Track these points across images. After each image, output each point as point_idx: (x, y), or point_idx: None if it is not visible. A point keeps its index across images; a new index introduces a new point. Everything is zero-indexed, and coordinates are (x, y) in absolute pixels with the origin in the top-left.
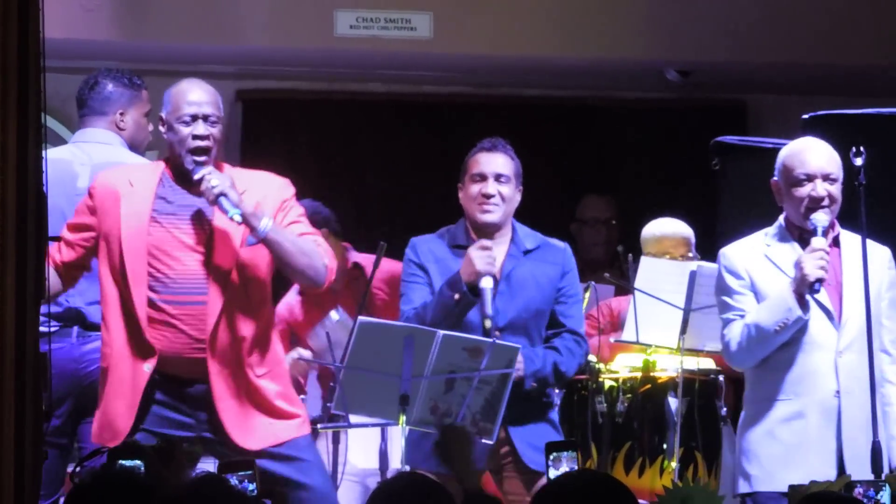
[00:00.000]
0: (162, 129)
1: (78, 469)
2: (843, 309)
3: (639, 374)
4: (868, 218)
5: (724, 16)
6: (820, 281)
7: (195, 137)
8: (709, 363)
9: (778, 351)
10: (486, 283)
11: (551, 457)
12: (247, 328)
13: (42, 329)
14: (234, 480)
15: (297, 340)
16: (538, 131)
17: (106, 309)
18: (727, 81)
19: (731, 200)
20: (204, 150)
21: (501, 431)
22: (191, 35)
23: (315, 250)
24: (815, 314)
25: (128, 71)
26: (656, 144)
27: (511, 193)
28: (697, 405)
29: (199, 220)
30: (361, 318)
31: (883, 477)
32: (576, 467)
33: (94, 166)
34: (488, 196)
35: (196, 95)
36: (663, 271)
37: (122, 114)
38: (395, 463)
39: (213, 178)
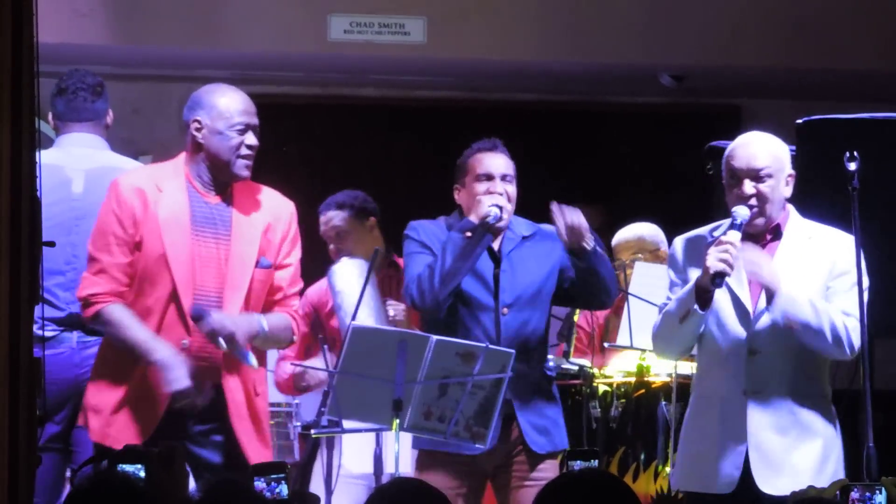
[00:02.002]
0: (198, 133)
1: (76, 473)
2: (758, 306)
3: (633, 379)
4: (863, 222)
5: (718, 20)
6: (721, 276)
7: (248, 147)
8: None
9: (701, 346)
10: (494, 211)
11: (571, 465)
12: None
13: (38, 333)
14: (261, 483)
15: (320, 325)
16: (531, 136)
17: (142, 316)
18: (721, 86)
19: (725, 205)
20: (251, 159)
21: (512, 424)
22: (184, 40)
23: (290, 327)
24: (728, 310)
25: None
26: (650, 149)
27: (514, 193)
28: None
29: (218, 235)
30: (354, 323)
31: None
32: None
33: (87, 171)
34: (498, 194)
35: (247, 105)
36: (657, 276)
37: (107, 117)
38: (390, 467)
39: (222, 332)
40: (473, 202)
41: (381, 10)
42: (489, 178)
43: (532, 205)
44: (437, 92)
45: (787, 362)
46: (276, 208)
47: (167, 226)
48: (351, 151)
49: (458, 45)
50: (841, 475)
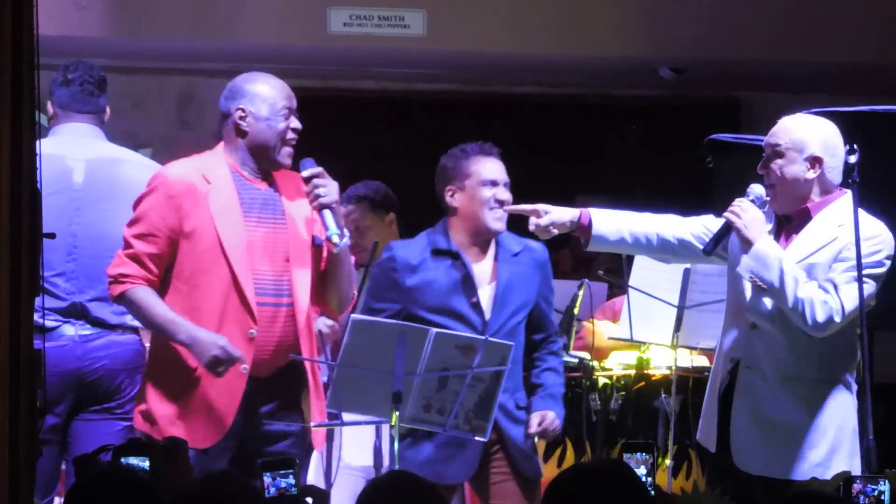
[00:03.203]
0: (242, 122)
1: (79, 464)
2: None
3: (633, 372)
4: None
5: (717, 13)
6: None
7: (294, 130)
8: (703, 361)
9: (726, 308)
10: None
11: (625, 457)
12: (313, 327)
13: (39, 323)
14: (267, 478)
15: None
16: (531, 129)
17: (192, 312)
18: (721, 79)
19: (725, 198)
20: (294, 144)
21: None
22: (184, 32)
23: (355, 277)
24: (745, 280)
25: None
26: (650, 142)
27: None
28: (691, 402)
29: (276, 218)
30: (354, 315)
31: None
32: (647, 468)
33: (88, 161)
34: (503, 202)
35: (287, 90)
36: (657, 269)
37: (105, 113)
38: (389, 460)
39: (324, 186)
40: (479, 209)
41: (380, 2)
42: (494, 184)
43: (532, 197)
44: (437, 85)
45: (780, 341)
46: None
47: (220, 216)
48: (350, 144)
49: (457, 38)
50: (838, 467)
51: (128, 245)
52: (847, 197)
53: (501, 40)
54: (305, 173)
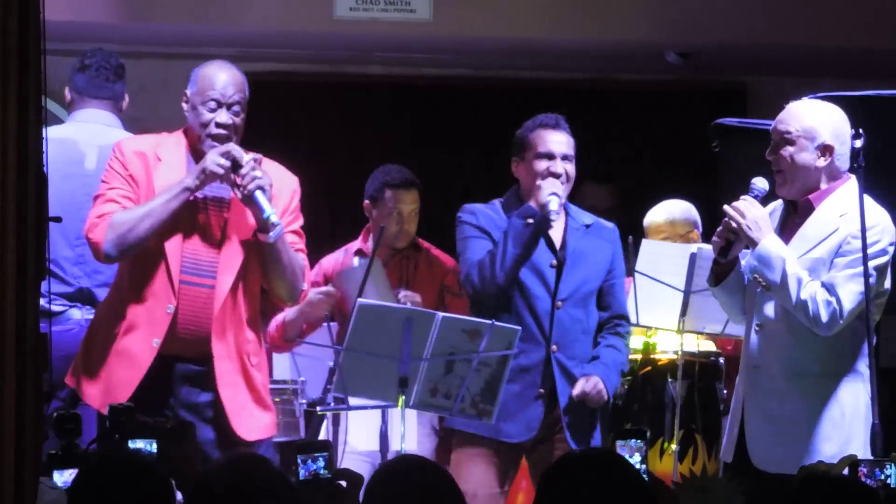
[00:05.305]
0: (185, 105)
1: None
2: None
3: (639, 357)
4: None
5: None
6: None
7: (217, 125)
8: (709, 345)
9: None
10: (554, 206)
11: (618, 444)
12: (245, 315)
13: (45, 307)
14: (300, 461)
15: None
16: (537, 114)
17: (132, 281)
18: (727, 63)
19: (732, 182)
20: (225, 138)
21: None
22: (191, 17)
23: (301, 272)
24: (750, 283)
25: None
26: (656, 127)
27: (573, 173)
28: (697, 387)
29: (219, 205)
30: (360, 300)
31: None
32: (641, 455)
33: (101, 147)
34: (557, 175)
35: (223, 81)
36: (663, 253)
37: (123, 101)
38: (396, 445)
39: (258, 169)
40: (533, 182)
41: None
42: (550, 157)
43: None
44: (444, 69)
45: (787, 339)
46: (278, 181)
47: (161, 191)
48: (356, 129)
49: (464, 23)
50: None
51: (98, 203)
52: (851, 183)
53: (508, 25)
54: (247, 156)
